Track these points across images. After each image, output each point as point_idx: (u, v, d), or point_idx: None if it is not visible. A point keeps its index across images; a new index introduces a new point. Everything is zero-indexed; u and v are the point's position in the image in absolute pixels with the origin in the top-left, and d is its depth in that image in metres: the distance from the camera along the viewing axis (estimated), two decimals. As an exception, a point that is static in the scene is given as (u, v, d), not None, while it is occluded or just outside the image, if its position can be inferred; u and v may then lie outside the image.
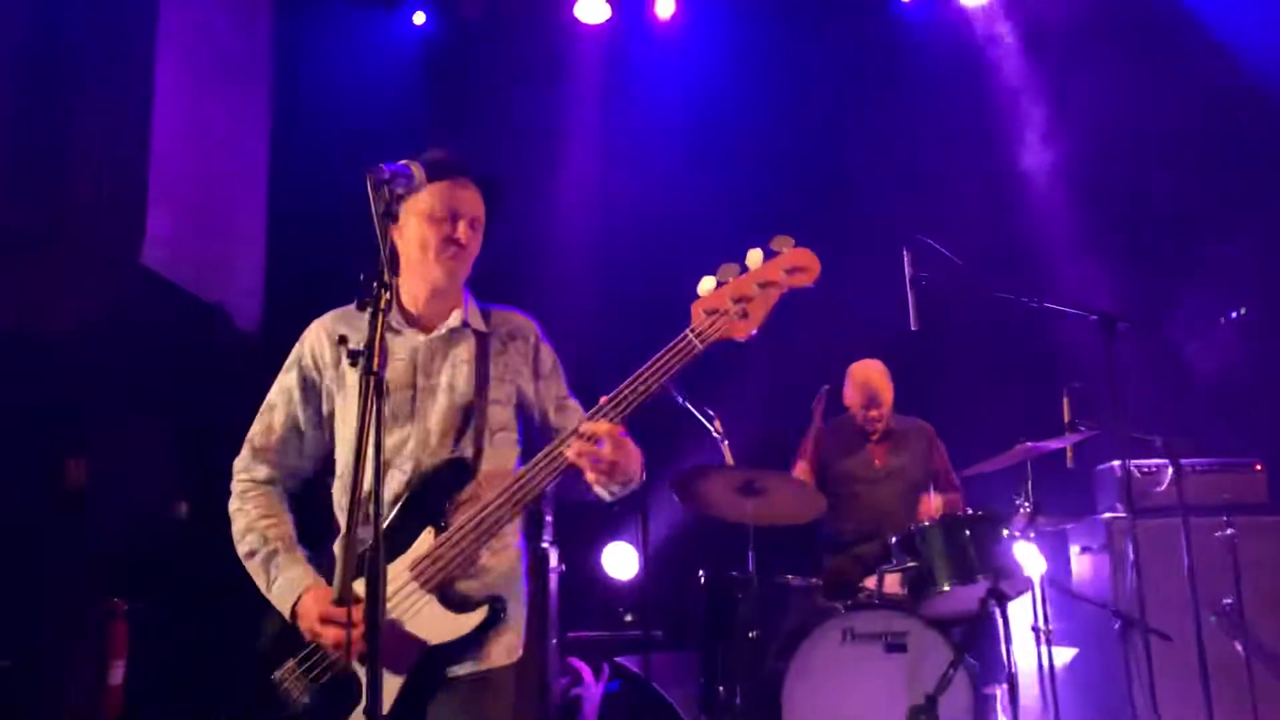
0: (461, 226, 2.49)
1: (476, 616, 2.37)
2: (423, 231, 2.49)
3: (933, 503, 4.87)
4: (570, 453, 2.29)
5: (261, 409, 2.61)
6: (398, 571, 2.36)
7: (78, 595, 4.47)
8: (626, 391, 2.31)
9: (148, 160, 4.28)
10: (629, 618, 6.39)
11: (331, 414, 2.56)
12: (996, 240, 6.15)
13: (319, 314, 2.62)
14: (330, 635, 2.32)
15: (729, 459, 4.97)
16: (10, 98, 4.08)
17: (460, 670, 2.42)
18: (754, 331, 2.34)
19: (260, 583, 2.49)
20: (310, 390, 2.56)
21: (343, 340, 1.89)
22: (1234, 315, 5.24)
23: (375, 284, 1.81)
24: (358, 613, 2.22)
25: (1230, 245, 5.91)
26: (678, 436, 5.23)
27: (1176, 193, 6.08)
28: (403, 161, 1.96)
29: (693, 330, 2.34)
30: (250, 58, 5.63)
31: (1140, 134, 6.22)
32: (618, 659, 5.95)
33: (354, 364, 1.76)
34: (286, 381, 2.59)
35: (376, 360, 1.74)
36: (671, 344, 2.34)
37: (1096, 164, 6.42)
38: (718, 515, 4.94)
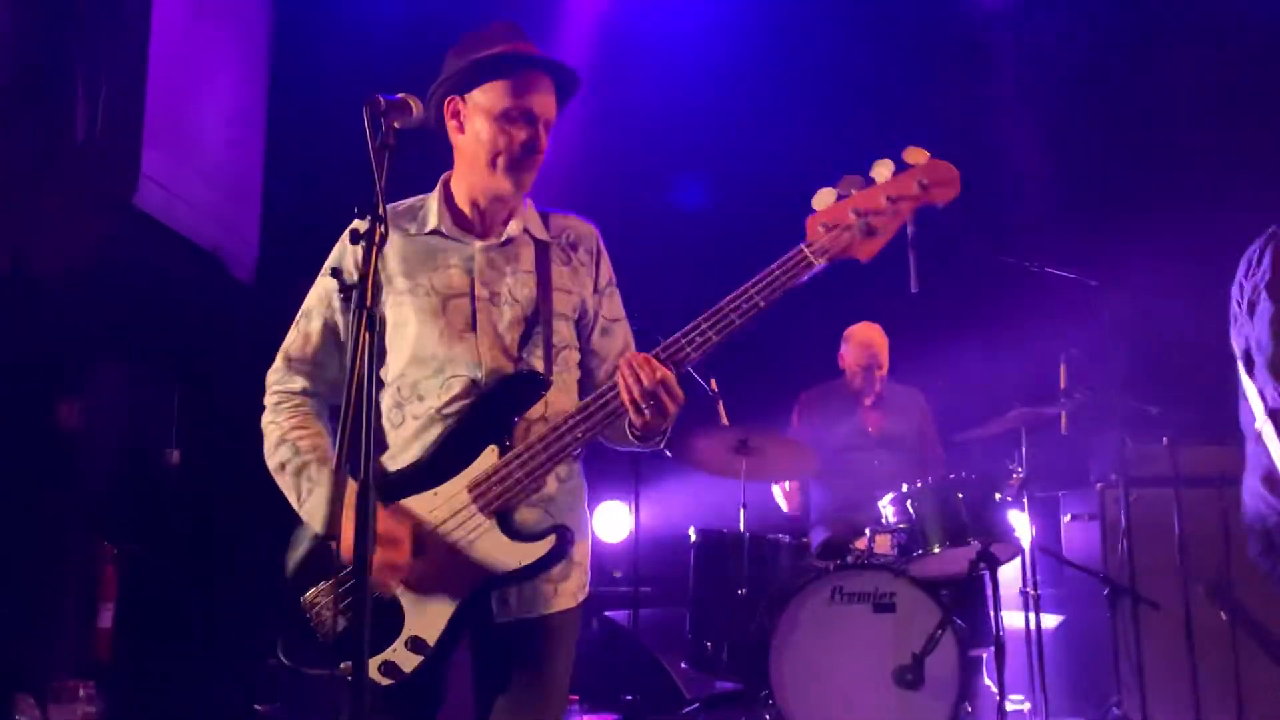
0: (540, 131, 2.24)
1: (542, 546, 2.14)
2: (493, 134, 2.23)
3: None
4: (623, 390, 2.08)
5: (297, 316, 2.37)
6: (454, 491, 2.14)
7: (68, 538, 4.46)
8: (729, 309, 2.08)
9: (143, 99, 4.21)
10: (618, 574, 6.42)
11: (381, 321, 2.26)
12: (993, 203, 6.12)
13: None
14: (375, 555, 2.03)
15: (724, 418, 4.98)
16: (0, 36, 4.02)
17: (526, 612, 2.22)
18: (877, 251, 2.10)
19: (291, 498, 2.25)
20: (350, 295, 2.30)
21: (335, 273, 1.81)
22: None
23: (370, 218, 1.77)
24: (404, 532, 2.10)
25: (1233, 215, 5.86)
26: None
27: (1181, 157, 6.03)
28: (401, 95, 1.91)
29: (808, 244, 2.10)
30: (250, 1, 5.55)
31: (1141, 92, 6.16)
32: (606, 614, 5.98)
33: (345, 298, 1.71)
34: (324, 285, 2.34)
35: (369, 296, 1.69)
36: (783, 258, 2.10)
37: (1091, 125, 6.37)
38: (711, 473, 4.95)
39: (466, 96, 2.27)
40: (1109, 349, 4.67)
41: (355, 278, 1.77)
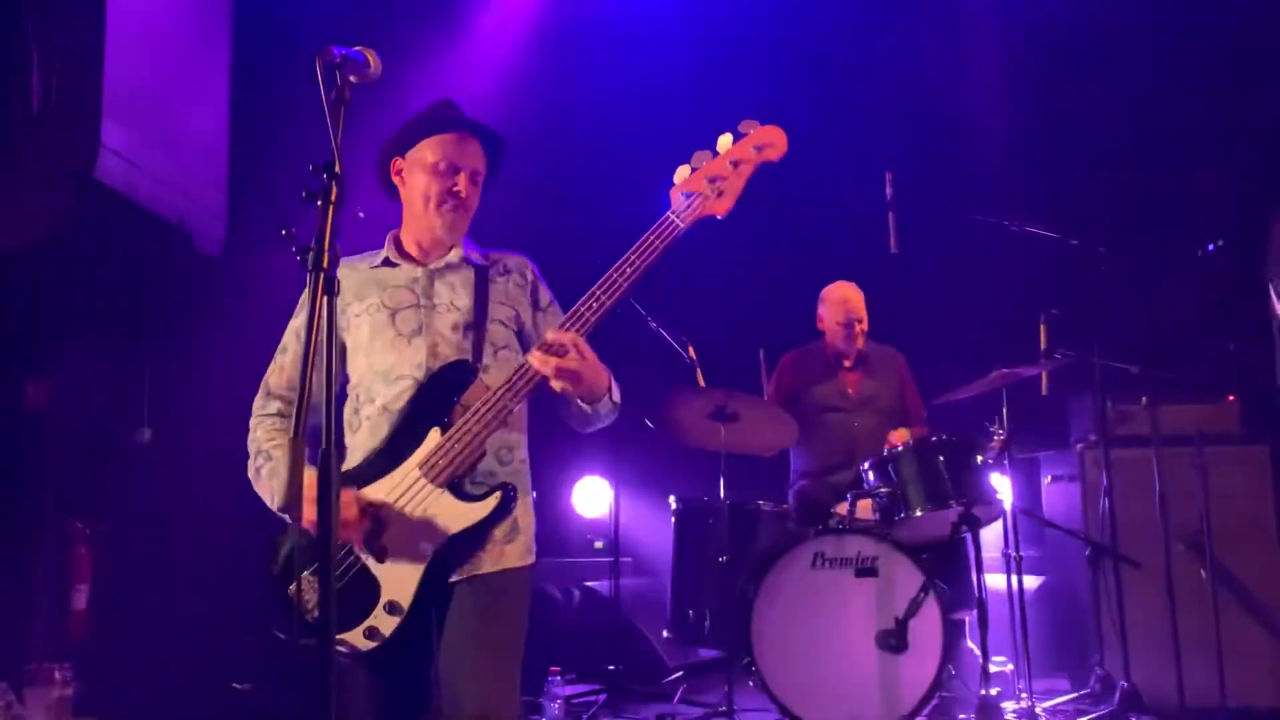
0: (462, 180, 2.59)
1: (490, 502, 2.42)
2: (425, 182, 2.59)
3: (901, 435, 4.83)
4: (534, 359, 2.36)
5: (275, 352, 2.68)
6: (407, 470, 2.42)
7: (39, 520, 4.39)
8: (615, 275, 2.39)
9: (101, 68, 4.10)
10: (599, 544, 6.39)
11: (343, 349, 2.63)
12: (973, 164, 6.08)
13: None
14: (343, 530, 2.36)
15: (701, 381, 4.95)
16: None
17: (477, 569, 2.48)
18: (730, 207, 2.48)
19: (266, 498, 2.54)
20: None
21: (286, 233, 1.79)
22: (1210, 249, 5.19)
23: (325, 175, 1.70)
24: (362, 509, 2.37)
25: (1211, 175, 5.85)
26: (651, 364, 5.17)
27: (1160, 119, 6.00)
28: (357, 48, 1.84)
29: (673, 212, 2.46)
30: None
31: (1122, 48, 6.12)
32: (587, 583, 5.96)
33: (301, 260, 1.66)
34: (297, 323, 2.67)
35: (325, 257, 1.64)
36: (654, 226, 2.44)
37: (1077, 84, 6.33)
38: (691, 443, 4.91)
39: (406, 155, 2.65)
40: (1089, 308, 4.64)
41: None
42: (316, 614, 2.24)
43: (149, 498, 4.86)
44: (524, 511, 2.61)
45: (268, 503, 2.54)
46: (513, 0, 6.62)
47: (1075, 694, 4.86)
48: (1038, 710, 4.42)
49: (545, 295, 2.75)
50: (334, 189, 1.69)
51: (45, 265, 4.28)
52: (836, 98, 6.24)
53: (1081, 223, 5.00)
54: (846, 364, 5.17)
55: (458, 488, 2.43)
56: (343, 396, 2.64)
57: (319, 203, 1.70)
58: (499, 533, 2.51)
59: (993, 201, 5.51)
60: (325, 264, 1.62)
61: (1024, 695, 4.44)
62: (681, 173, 2.50)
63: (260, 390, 2.67)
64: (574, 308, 2.42)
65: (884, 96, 6.27)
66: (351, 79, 1.83)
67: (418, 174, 2.61)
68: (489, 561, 2.51)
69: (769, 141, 2.53)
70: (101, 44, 4.14)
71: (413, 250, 2.68)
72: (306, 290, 2.46)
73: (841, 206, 4.96)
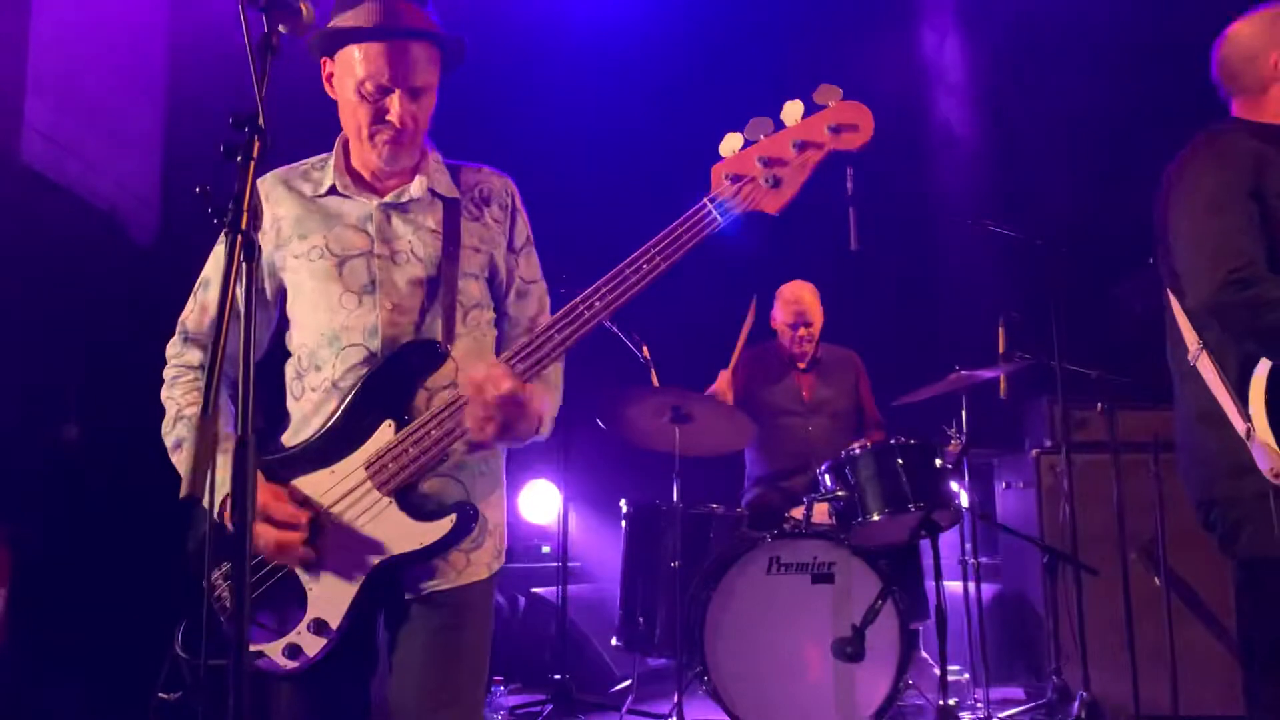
0: (394, 103, 2.07)
1: (443, 526, 2.04)
2: (351, 105, 2.10)
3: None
4: (469, 417, 1.98)
5: (195, 286, 2.26)
6: (351, 469, 2.05)
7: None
8: (629, 271, 1.97)
9: (26, 44, 3.88)
10: (546, 549, 6.22)
11: (280, 289, 2.21)
12: (933, 165, 6.01)
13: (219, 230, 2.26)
14: (266, 536, 2.00)
15: (655, 381, 4.82)
16: None
17: (437, 585, 2.12)
18: (785, 204, 1.98)
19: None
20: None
21: (201, 190, 1.56)
22: (1160, 255, 5.16)
23: (248, 129, 1.53)
24: (301, 515, 2.02)
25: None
26: (604, 362, 5.03)
27: (1120, 121, 5.98)
28: None
29: (712, 199, 1.98)
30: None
31: (1075, 58, 6.10)
32: (534, 590, 5.79)
33: (218, 221, 1.47)
34: (221, 250, 2.15)
35: (245, 218, 1.46)
36: (687, 215, 1.98)
37: (1037, 85, 6.30)
38: (644, 444, 4.77)
39: (335, 56, 2.13)
40: (1048, 311, 4.57)
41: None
42: (226, 621, 1.99)
43: (75, 497, 4.64)
44: (494, 508, 2.23)
45: None
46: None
47: (1031, 704, 4.78)
48: (994, 720, 4.34)
49: (523, 232, 2.30)
50: (256, 144, 1.52)
51: (-38, 250, 4.05)
52: (798, 93, 6.15)
53: (1041, 225, 4.95)
54: (800, 366, 5.08)
55: (407, 496, 2.06)
56: (278, 348, 2.25)
57: (239, 158, 1.53)
58: (465, 542, 2.11)
59: (954, 201, 5.46)
60: (244, 224, 1.45)
61: (979, 705, 4.35)
62: (730, 143, 1.98)
63: (177, 332, 2.26)
64: (532, 339, 2.00)
65: (846, 92, 6.19)
66: (280, 27, 1.65)
67: (346, 89, 2.10)
68: (450, 575, 2.14)
69: (852, 121, 1.98)
70: (27, 19, 3.92)
71: (364, 172, 2.20)
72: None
73: (801, 201, 4.84)
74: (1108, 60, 6.03)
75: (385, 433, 2.06)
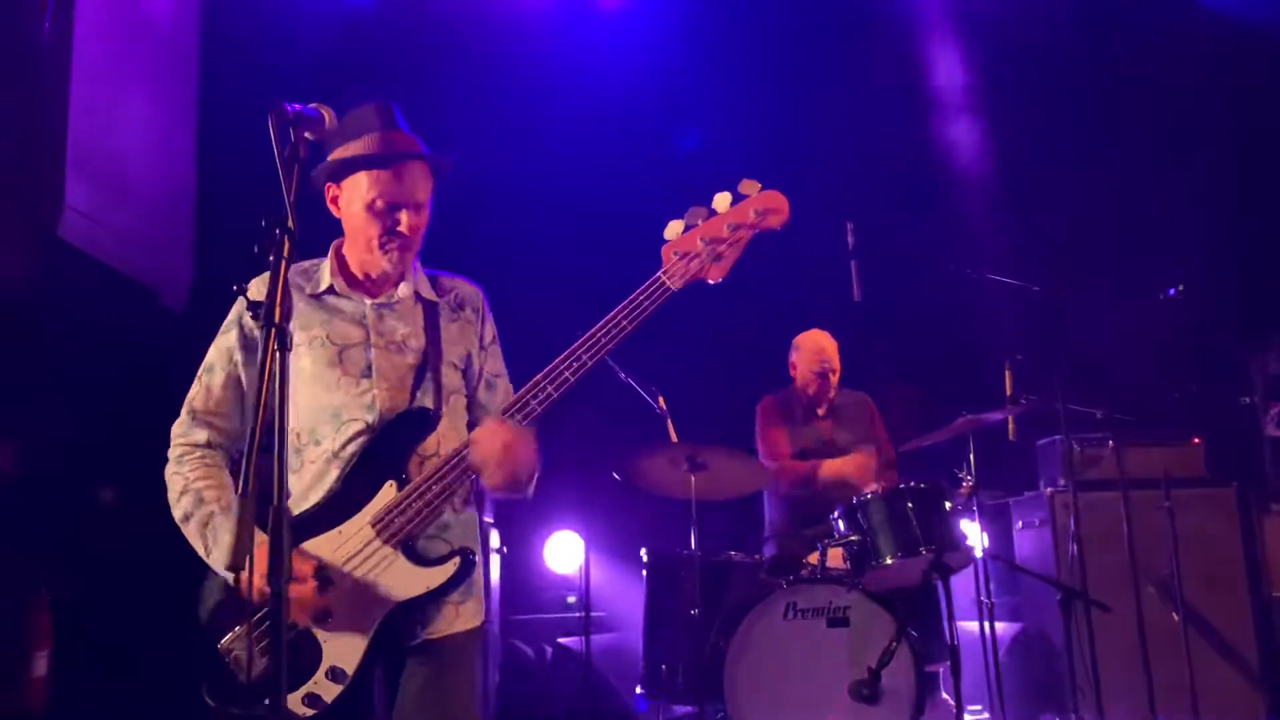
0: (404, 217, 2.40)
1: (448, 568, 2.30)
2: (364, 221, 2.40)
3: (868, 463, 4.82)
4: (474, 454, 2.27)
5: (200, 371, 2.50)
6: (358, 527, 2.28)
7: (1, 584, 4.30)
8: (600, 334, 2.28)
9: (65, 126, 4.09)
10: (571, 599, 6.32)
11: (290, 337, 2.44)
12: (934, 212, 6.14)
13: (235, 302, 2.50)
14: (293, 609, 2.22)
15: (673, 436, 4.92)
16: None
17: (431, 633, 2.37)
18: (725, 273, 2.34)
19: (198, 547, 2.37)
20: (252, 349, 2.43)
21: (241, 292, 1.75)
22: (1171, 293, 5.28)
23: (278, 230, 1.70)
24: (308, 569, 2.23)
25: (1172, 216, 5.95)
26: (621, 415, 5.16)
27: (1122, 164, 6.10)
28: (313, 105, 1.85)
29: (665, 272, 2.33)
30: (177, 27, 5.42)
31: (1084, 95, 6.22)
32: (560, 640, 5.89)
33: (254, 316, 1.65)
34: (226, 341, 2.48)
35: (278, 312, 1.63)
36: (644, 286, 2.31)
37: (1039, 129, 6.43)
38: (662, 493, 4.87)
39: (341, 184, 2.44)
40: (1053, 353, 4.67)
41: (258, 330, 1.82)
42: (249, 676, 2.19)
43: (113, 560, 4.77)
44: (476, 568, 2.46)
45: (199, 551, 2.37)
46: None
47: (1051, 742, 4.83)
48: (1014, 759, 4.38)
49: (490, 331, 2.62)
50: (286, 244, 1.68)
51: (7, 324, 4.23)
52: (795, 146, 6.30)
53: (1044, 267, 5.07)
54: (820, 412, 5.18)
55: (411, 548, 2.30)
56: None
57: (270, 258, 1.69)
58: (455, 594, 2.38)
59: (956, 248, 5.59)
60: (278, 319, 1.61)
61: (999, 743, 4.40)
62: (674, 228, 2.34)
63: (183, 412, 2.47)
64: (521, 394, 2.30)
65: (843, 144, 6.35)
66: (306, 135, 1.83)
67: (356, 209, 2.41)
68: (443, 624, 2.39)
69: (771, 207, 2.37)
70: (66, 102, 4.13)
71: (359, 275, 2.50)
72: (236, 304, 2.45)
73: (804, 254, 4.98)
74: (1109, 102, 6.16)
75: (389, 491, 2.30)
